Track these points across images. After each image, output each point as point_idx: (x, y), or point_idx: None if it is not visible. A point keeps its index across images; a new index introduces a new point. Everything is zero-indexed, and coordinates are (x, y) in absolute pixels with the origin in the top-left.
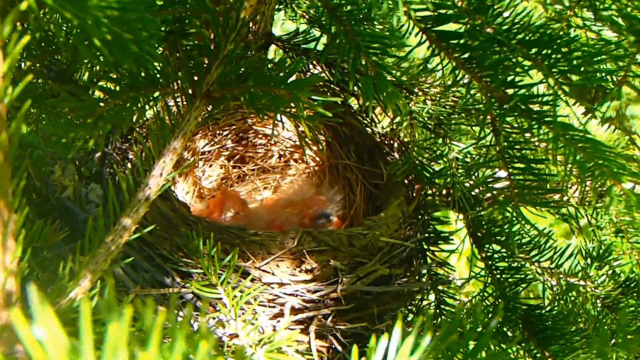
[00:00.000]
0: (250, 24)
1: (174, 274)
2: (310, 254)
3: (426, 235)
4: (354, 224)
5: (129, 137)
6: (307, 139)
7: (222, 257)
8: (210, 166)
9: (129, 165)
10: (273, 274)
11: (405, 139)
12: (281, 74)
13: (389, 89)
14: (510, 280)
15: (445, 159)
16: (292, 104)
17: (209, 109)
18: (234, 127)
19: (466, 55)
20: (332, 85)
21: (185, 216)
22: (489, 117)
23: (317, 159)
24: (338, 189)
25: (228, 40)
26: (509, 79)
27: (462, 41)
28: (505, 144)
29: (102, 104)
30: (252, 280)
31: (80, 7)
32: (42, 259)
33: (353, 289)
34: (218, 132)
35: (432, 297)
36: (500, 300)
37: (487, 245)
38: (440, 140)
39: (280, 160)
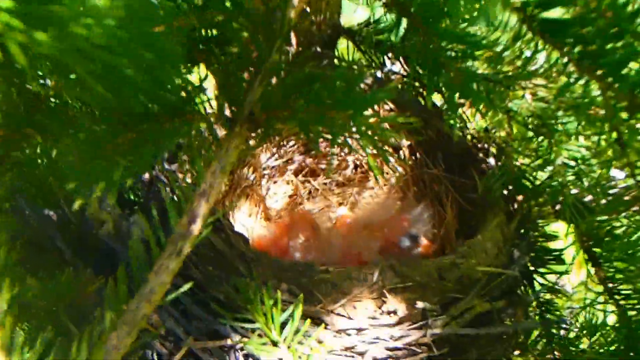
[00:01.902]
0: (314, 16)
1: (232, 322)
2: (393, 292)
3: (532, 255)
4: (446, 247)
5: (177, 157)
6: (377, 164)
7: (285, 301)
8: (276, 182)
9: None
10: (349, 317)
11: (503, 143)
12: (339, 91)
13: (478, 100)
14: (637, 307)
15: (551, 166)
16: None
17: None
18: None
19: (578, 49)
20: (412, 82)
21: (243, 252)
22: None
23: (400, 169)
24: (425, 204)
25: (272, 49)
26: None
27: (572, 31)
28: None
29: (112, 141)
30: (325, 327)
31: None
32: (77, 308)
33: (446, 332)
34: (282, 143)
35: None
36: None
37: (606, 264)
38: (545, 143)
39: (356, 172)
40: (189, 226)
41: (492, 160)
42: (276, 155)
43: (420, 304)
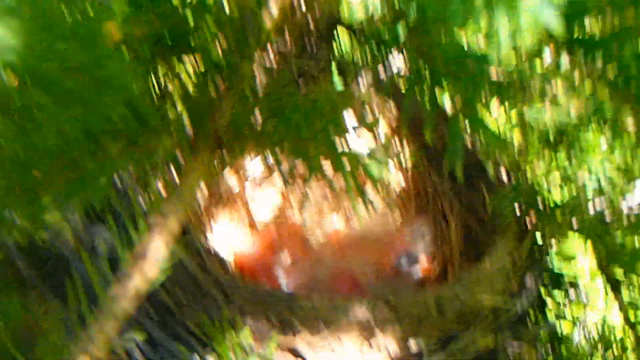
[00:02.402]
0: (310, 10)
1: (205, 355)
2: (385, 327)
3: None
4: (449, 269)
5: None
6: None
7: (263, 333)
8: (263, 190)
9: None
10: (333, 352)
11: (516, 155)
12: (319, 122)
13: (485, 133)
14: None
15: (570, 182)
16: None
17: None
18: None
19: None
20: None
21: (218, 278)
22: None
23: (400, 178)
24: (427, 220)
25: (246, 62)
26: None
27: (603, 50)
28: None
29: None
30: None
31: None
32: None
33: None
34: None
35: None
36: None
37: (628, 290)
38: (563, 156)
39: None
40: (140, 267)
41: (503, 174)
42: (264, 158)
43: (415, 343)
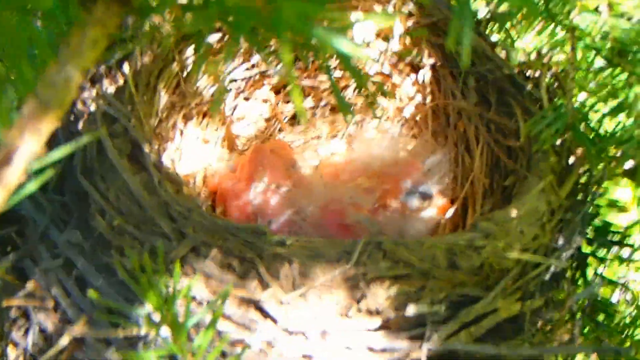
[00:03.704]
0: None
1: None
2: (378, 282)
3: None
4: (469, 211)
5: None
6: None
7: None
8: (247, 100)
9: None
10: (311, 312)
11: (561, 73)
12: None
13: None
14: None
15: (627, 109)
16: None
17: None
18: None
19: None
20: None
21: (168, 203)
22: None
23: (415, 94)
24: (446, 148)
25: None
26: None
27: None
28: None
29: None
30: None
31: None
32: None
33: (452, 347)
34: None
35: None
36: None
37: None
38: (621, 77)
39: (359, 94)
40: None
41: (544, 96)
42: (249, 63)
43: (412, 309)
